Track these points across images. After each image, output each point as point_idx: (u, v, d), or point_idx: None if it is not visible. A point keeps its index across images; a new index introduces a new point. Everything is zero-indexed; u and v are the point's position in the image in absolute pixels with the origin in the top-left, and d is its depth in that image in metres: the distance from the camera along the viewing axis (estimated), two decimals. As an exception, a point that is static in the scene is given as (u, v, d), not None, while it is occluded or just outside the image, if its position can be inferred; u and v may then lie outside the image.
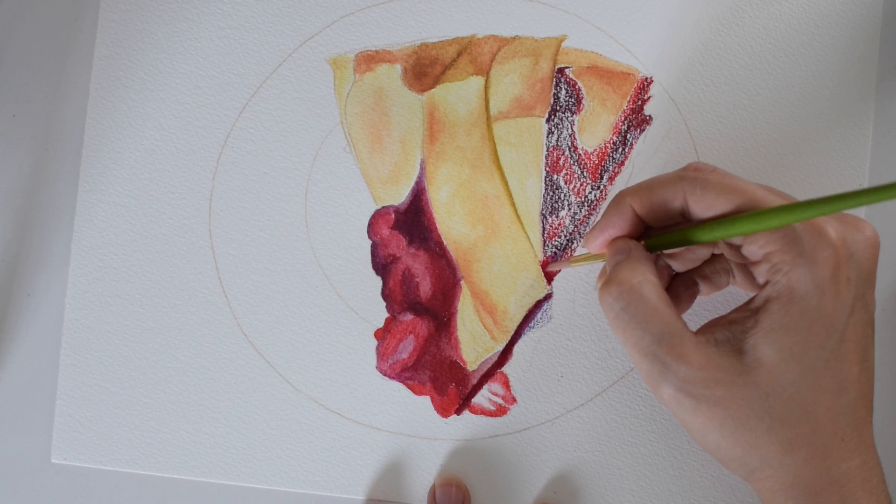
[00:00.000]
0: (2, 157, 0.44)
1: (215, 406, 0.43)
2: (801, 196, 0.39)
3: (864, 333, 0.34)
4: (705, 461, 0.42)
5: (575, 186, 0.43)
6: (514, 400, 0.43)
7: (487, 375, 0.43)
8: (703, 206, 0.34)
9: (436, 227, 0.43)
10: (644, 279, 0.34)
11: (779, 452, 0.33)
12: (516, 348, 0.43)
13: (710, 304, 0.43)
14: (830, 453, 0.34)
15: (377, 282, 0.43)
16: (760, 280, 0.34)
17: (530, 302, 0.43)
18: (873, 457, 0.35)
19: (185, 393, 0.43)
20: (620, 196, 0.36)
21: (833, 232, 0.33)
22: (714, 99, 0.43)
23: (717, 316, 0.40)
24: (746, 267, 0.38)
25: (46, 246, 0.44)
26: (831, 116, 0.43)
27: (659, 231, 0.37)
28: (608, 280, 0.35)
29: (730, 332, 0.35)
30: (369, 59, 0.44)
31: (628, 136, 0.43)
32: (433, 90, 0.43)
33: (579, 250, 0.43)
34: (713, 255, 0.39)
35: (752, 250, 0.34)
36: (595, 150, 0.43)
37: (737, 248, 0.36)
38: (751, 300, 0.35)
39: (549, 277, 0.43)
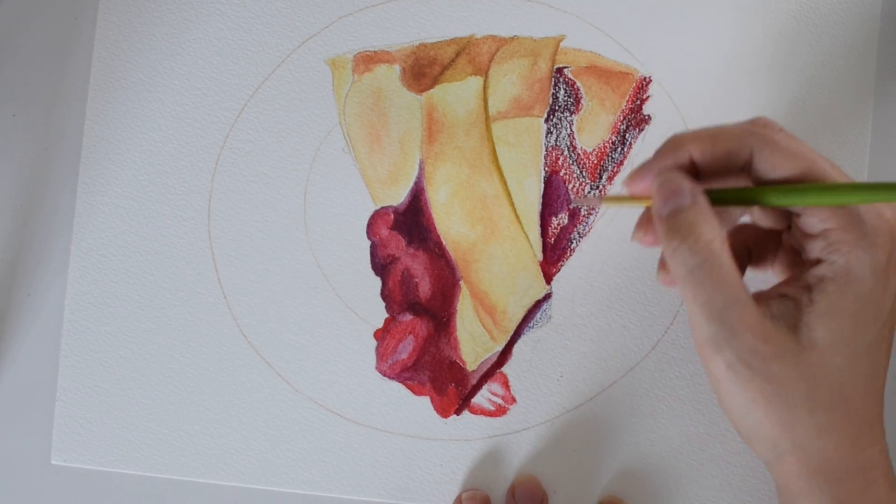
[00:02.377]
0: (2, 157, 0.44)
1: (215, 407, 0.43)
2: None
3: None
4: (705, 461, 0.42)
5: (574, 186, 0.43)
6: (514, 400, 0.43)
7: (487, 375, 0.43)
8: (768, 165, 0.33)
9: (435, 228, 0.43)
10: (719, 236, 0.32)
11: (813, 435, 0.33)
12: (516, 348, 0.43)
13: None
14: (859, 439, 0.33)
15: (376, 282, 0.43)
16: (812, 255, 0.33)
17: (529, 302, 0.43)
18: (885, 444, 0.34)
19: (185, 394, 0.43)
20: (678, 140, 0.34)
21: (892, 217, 0.33)
22: (713, 98, 0.43)
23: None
24: (789, 246, 0.37)
25: (46, 246, 0.44)
26: (830, 116, 0.43)
27: (710, 182, 0.35)
28: (681, 229, 0.32)
29: (784, 307, 0.33)
30: (368, 60, 0.44)
31: (627, 135, 0.43)
32: (432, 90, 0.43)
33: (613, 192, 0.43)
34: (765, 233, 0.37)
35: (812, 223, 0.33)
36: (594, 149, 0.43)
37: (787, 218, 0.35)
38: (802, 275, 0.34)
39: (548, 277, 0.43)
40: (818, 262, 0.33)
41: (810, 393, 0.32)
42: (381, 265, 0.43)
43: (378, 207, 0.43)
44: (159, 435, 0.43)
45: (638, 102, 0.43)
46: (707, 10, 0.43)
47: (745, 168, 0.34)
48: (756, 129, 0.34)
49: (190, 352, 0.43)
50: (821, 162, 0.33)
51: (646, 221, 0.35)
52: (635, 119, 0.43)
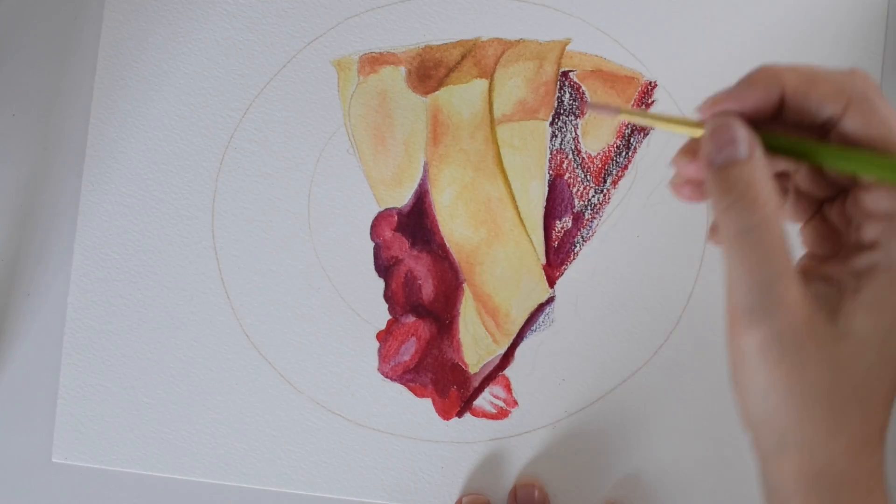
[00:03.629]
0: (1, 156, 0.44)
1: (216, 407, 0.43)
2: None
3: None
4: (706, 465, 0.42)
5: (578, 190, 0.43)
6: (516, 403, 0.43)
7: (489, 378, 0.43)
8: (858, 125, 0.29)
9: (439, 230, 0.43)
10: (775, 198, 0.28)
11: (825, 434, 0.30)
12: (518, 351, 0.43)
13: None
14: (867, 445, 0.30)
15: (379, 284, 0.43)
16: (866, 237, 0.30)
17: (532, 305, 0.43)
18: (883, 453, 0.32)
19: (187, 393, 0.43)
20: (772, 73, 0.30)
21: None
22: (718, 104, 0.43)
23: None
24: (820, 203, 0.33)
25: (46, 246, 0.44)
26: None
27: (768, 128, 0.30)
28: (736, 186, 0.29)
29: (828, 289, 0.30)
30: (373, 61, 0.44)
31: (632, 139, 0.43)
32: (437, 92, 0.43)
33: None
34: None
35: (878, 202, 0.29)
36: (599, 153, 0.43)
37: (836, 188, 0.31)
38: (851, 256, 0.31)
39: (552, 281, 0.43)
40: (870, 246, 0.30)
41: (833, 387, 0.30)
42: (384, 267, 0.43)
43: (382, 209, 0.43)
44: (160, 434, 0.43)
45: (643, 106, 0.43)
46: (712, 14, 0.43)
47: (828, 123, 0.30)
48: (857, 81, 0.29)
49: (192, 351, 0.43)
50: None
51: (690, 150, 0.31)
52: (640, 123, 0.43)
